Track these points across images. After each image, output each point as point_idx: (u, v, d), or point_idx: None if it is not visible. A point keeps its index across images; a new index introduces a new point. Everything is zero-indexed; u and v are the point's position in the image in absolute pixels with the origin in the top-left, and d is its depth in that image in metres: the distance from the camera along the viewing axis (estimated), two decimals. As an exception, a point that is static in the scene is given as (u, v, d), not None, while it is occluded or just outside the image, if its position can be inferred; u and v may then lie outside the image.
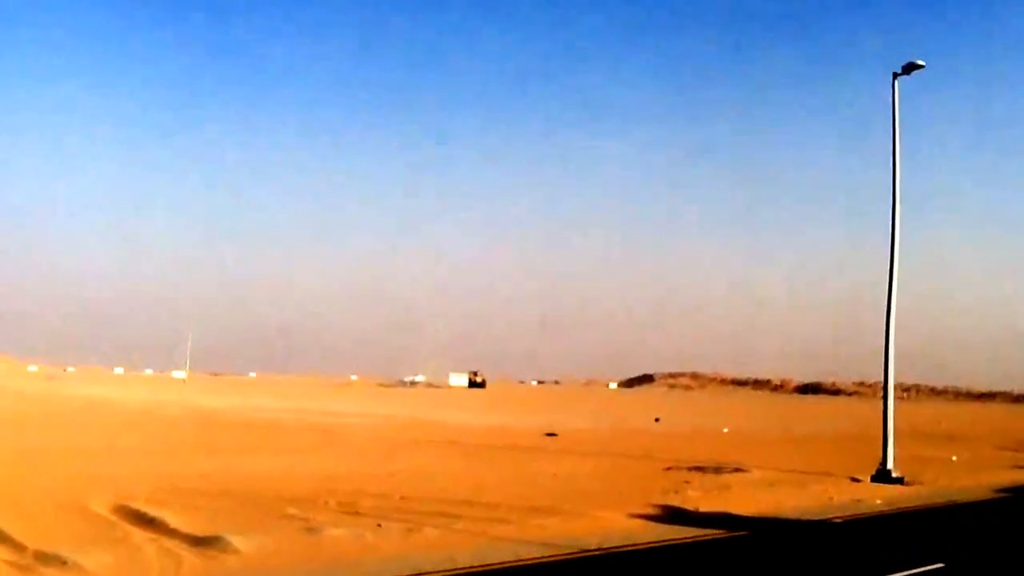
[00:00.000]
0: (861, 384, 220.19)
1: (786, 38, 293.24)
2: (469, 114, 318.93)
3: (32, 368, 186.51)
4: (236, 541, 12.57)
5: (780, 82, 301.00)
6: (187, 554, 12.05)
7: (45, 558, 11.32)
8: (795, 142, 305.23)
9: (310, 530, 13.94)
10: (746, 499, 19.51)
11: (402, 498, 17.84)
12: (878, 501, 20.73)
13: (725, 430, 50.47)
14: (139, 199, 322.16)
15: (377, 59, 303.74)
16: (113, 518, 14.65)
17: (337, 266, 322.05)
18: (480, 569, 12.17)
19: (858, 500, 20.84)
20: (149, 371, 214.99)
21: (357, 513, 15.84)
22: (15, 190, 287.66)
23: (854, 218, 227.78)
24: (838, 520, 17.75)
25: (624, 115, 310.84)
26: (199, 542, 12.65)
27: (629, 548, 13.98)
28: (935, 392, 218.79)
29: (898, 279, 25.43)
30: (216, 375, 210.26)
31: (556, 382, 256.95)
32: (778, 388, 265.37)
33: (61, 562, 11.13)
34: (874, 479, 24.22)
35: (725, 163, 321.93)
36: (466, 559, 12.58)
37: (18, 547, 11.96)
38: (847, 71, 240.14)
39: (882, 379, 26.08)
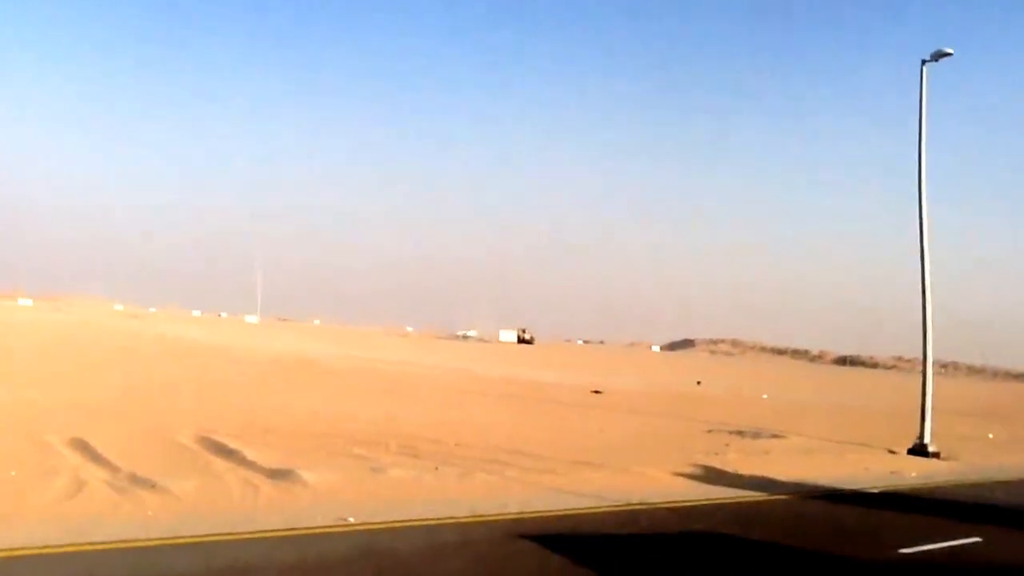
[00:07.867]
0: (899, 359, 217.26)
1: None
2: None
3: (118, 307, 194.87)
4: (307, 475, 13.73)
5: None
6: (264, 484, 13.22)
7: (137, 481, 12.66)
8: (830, 123, 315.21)
9: (374, 469, 15.05)
10: (784, 465, 20.22)
11: (456, 444, 19.10)
12: (914, 474, 21.09)
13: (764, 396, 50.92)
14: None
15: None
16: (197, 448, 16.07)
17: (397, 226, 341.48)
18: (531, 516, 12.98)
19: (893, 472, 21.21)
20: (224, 314, 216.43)
21: (416, 456, 17.05)
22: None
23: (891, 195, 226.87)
24: (875, 491, 18.09)
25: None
26: (274, 474, 13.84)
27: (674, 504, 14.78)
28: (973, 370, 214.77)
29: (930, 258, 26.11)
30: (284, 320, 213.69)
31: (601, 342, 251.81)
32: (816, 358, 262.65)
33: (151, 485, 12.42)
34: (911, 452, 24.84)
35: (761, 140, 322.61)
36: (516, 506, 13.46)
37: (114, 470, 13.40)
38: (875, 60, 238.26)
39: (920, 354, 26.58)
